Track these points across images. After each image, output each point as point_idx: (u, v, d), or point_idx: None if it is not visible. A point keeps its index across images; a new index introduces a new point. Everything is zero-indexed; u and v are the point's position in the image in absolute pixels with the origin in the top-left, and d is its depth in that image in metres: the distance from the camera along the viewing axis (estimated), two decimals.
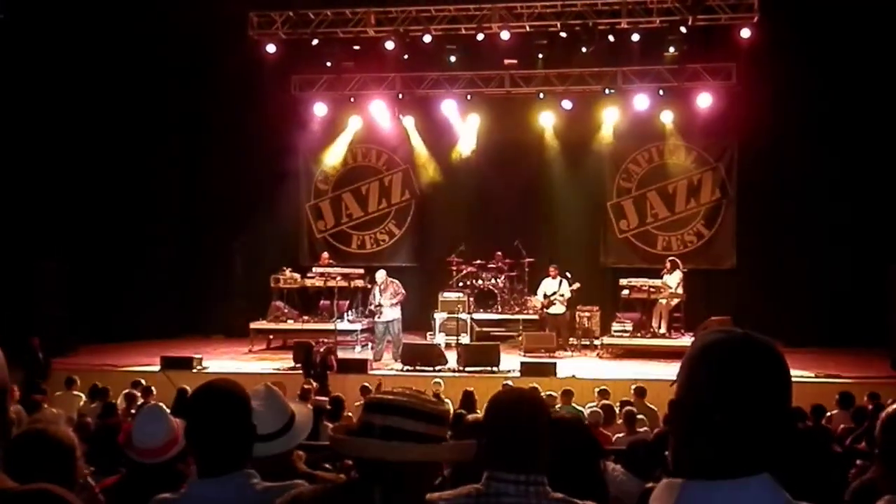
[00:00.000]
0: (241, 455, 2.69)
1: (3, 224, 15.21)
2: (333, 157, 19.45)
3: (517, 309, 16.67)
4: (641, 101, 17.70)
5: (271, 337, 16.84)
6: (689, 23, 16.47)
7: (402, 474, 2.18)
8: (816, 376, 12.97)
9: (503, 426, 2.60)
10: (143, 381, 11.84)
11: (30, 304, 14.99)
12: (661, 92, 17.44)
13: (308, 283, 16.92)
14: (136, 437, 3.64)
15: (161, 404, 3.89)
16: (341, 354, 14.47)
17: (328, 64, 17.94)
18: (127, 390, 10.80)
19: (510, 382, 11.35)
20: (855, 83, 16.45)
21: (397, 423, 2.17)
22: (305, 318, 16.75)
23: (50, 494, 1.56)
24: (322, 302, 16.99)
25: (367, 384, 11.88)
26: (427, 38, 17.39)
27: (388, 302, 15.19)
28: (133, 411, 8.97)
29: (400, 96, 18.33)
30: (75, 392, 11.29)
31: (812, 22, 16.66)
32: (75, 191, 17.07)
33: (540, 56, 17.48)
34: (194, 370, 13.77)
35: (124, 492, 3.62)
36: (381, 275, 15.64)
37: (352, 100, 18.59)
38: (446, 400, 10.55)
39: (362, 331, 16.27)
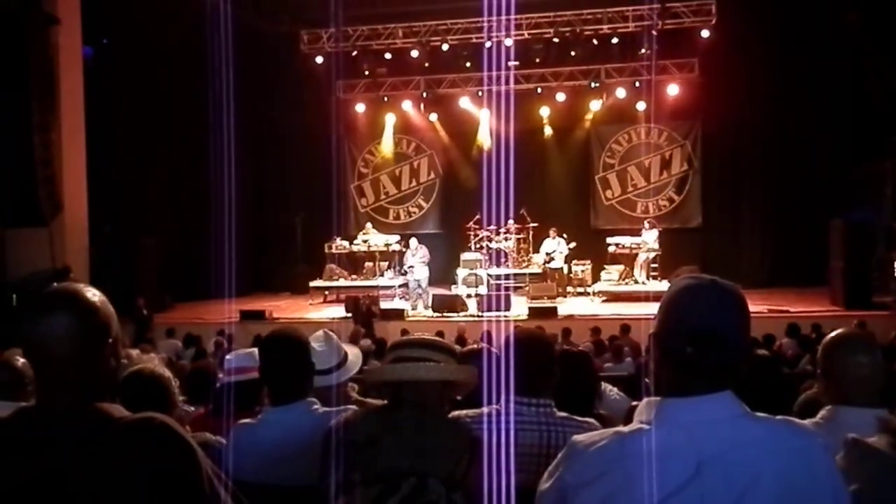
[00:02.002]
0: (304, 386, 2.72)
1: (110, 210, 15.30)
2: (377, 147, 19.49)
3: (524, 265, 16.63)
4: (621, 93, 17.55)
5: (326, 293, 16.91)
6: (659, 27, 16.32)
7: (423, 395, 2.22)
8: (770, 311, 12.89)
9: (517, 359, 2.60)
10: (225, 330, 11.95)
11: (134, 272, 15.12)
12: (636, 84, 17.27)
13: (355, 248, 16.98)
14: (227, 359, 3.68)
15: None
16: (383, 305, 14.55)
17: (366, 72, 17.91)
18: (215, 338, 10.93)
19: (520, 324, 11.36)
20: (797, 72, 16.20)
21: (415, 353, 2.26)
22: (353, 276, 16.84)
23: (156, 419, 1.59)
24: (366, 263, 17.05)
25: (406, 328, 11.93)
26: (445, 47, 17.35)
27: (420, 263, 15.28)
28: (219, 355, 9.05)
29: (424, 95, 18.25)
30: (173, 340, 11.45)
31: (762, 23, 16.49)
32: (167, 181, 17.16)
33: (537, 58, 17.36)
34: (266, 320, 13.90)
35: (214, 418, 3.66)
36: (413, 241, 15.78)
37: (385, 99, 18.56)
38: (470, 342, 10.60)
39: (399, 286, 16.31)
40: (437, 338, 2.37)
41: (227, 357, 3.70)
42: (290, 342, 2.73)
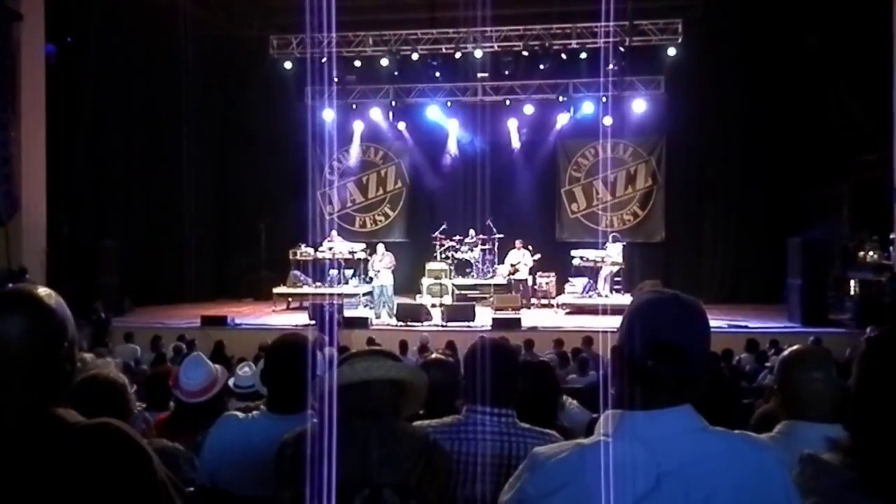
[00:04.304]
0: (307, 399, 2.64)
1: (70, 211, 15.02)
2: (343, 154, 19.40)
3: (489, 275, 16.67)
4: (588, 107, 17.70)
5: (290, 299, 16.75)
6: (627, 43, 16.47)
7: (375, 401, 2.18)
8: (729, 327, 13.07)
9: (481, 369, 2.59)
10: (186, 336, 11.80)
11: (93, 274, 14.86)
12: (603, 99, 17.39)
13: (320, 255, 16.85)
14: (182, 380, 3.63)
15: (201, 354, 3.86)
16: (347, 313, 14.47)
17: (335, 78, 17.84)
18: (174, 343, 10.77)
19: (485, 334, 11.35)
20: (759, 93, 16.53)
21: (363, 360, 2.24)
22: (318, 283, 16.69)
23: (111, 425, 1.56)
24: (331, 271, 16.93)
25: (370, 337, 11.86)
26: (415, 56, 17.31)
27: (385, 269, 15.25)
28: (179, 360, 8.91)
29: (393, 104, 18.23)
30: (132, 345, 11.26)
31: (726, 43, 16.78)
32: (129, 183, 16.91)
33: (506, 71, 17.45)
34: (227, 326, 13.73)
35: (174, 425, 3.61)
36: (381, 247, 15.83)
37: (354, 107, 18.49)
38: (434, 350, 10.58)
39: (363, 294, 16.24)
40: (380, 347, 2.38)
41: (180, 374, 3.65)
42: (298, 349, 2.68)
